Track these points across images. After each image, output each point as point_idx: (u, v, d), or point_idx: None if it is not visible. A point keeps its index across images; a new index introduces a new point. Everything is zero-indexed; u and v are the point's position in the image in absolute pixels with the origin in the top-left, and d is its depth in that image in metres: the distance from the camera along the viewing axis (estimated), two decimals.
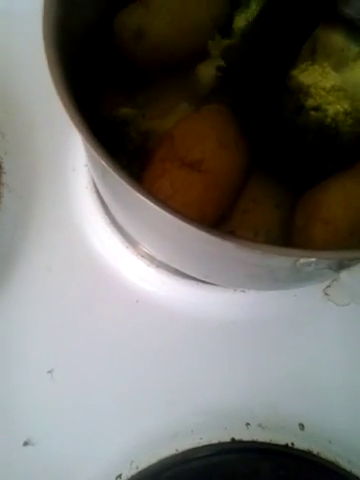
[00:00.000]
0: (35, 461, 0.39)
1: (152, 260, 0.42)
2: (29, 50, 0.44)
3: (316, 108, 0.35)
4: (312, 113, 0.34)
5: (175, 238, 0.29)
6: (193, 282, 0.41)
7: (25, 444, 0.39)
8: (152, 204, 0.25)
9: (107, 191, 0.34)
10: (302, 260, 0.26)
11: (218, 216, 0.37)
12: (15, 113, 0.46)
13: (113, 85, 0.40)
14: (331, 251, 0.25)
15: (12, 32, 0.49)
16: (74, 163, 0.45)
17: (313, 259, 0.25)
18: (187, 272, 0.38)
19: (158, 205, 0.25)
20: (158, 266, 0.42)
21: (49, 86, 0.28)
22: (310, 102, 0.35)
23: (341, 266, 0.27)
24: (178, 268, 0.38)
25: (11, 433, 0.39)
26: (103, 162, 0.26)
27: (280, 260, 0.27)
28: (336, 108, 0.34)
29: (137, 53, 0.38)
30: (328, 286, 0.40)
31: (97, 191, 0.43)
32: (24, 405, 0.40)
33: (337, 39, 0.39)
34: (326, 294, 0.42)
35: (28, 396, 0.40)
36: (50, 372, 0.40)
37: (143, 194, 0.25)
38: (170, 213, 0.25)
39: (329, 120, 0.34)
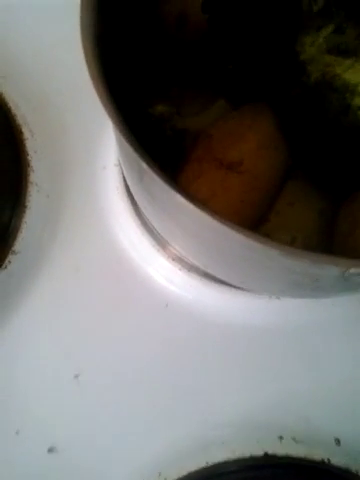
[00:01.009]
0: (59, 469, 0.38)
1: (183, 264, 0.40)
2: (61, 45, 0.44)
3: None
4: (359, 113, 0.33)
5: (213, 243, 0.28)
6: (225, 288, 0.40)
7: (50, 451, 0.38)
8: (193, 206, 0.23)
9: (141, 192, 0.32)
10: (353, 270, 0.24)
11: (256, 218, 0.35)
12: (45, 111, 0.45)
13: (149, 81, 0.39)
14: None
15: (43, 26, 0.48)
16: (105, 162, 0.43)
17: None
18: (222, 277, 0.36)
19: (199, 207, 0.23)
20: (189, 270, 0.40)
21: (80, 83, 0.27)
22: (357, 101, 0.33)
23: None
24: (212, 273, 0.36)
25: (36, 439, 0.38)
26: (142, 161, 0.24)
27: (329, 269, 0.25)
28: None
29: (180, 39, 0.37)
30: None
31: (128, 191, 0.42)
32: (49, 410, 0.39)
33: None
34: None
35: (53, 401, 0.39)
36: (76, 377, 0.39)
37: (183, 195, 0.23)
38: (212, 216, 0.23)
39: None
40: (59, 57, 0.47)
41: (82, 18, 0.27)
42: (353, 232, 0.32)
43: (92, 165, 0.44)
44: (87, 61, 0.27)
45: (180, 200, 0.24)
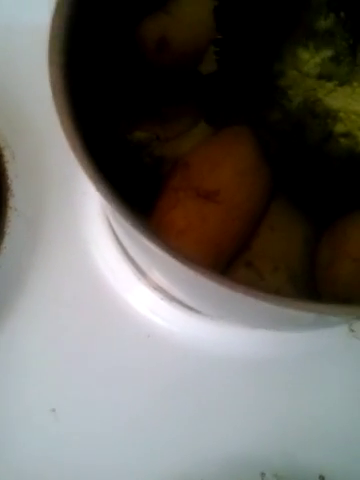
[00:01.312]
0: None
1: (165, 293, 0.39)
2: (42, 67, 0.43)
3: (346, 134, 0.32)
4: (341, 140, 0.31)
5: (187, 283, 0.27)
6: (208, 318, 0.38)
7: None
8: (159, 251, 0.22)
9: (116, 225, 0.31)
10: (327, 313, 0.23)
11: (236, 249, 0.34)
12: (26, 132, 0.44)
13: (128, 106, 0.38)
14: None
15: (24, 48, 0.47)
16: (85, 187, 0.42)
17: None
18: (201, 311, 0.35)
19: (166, 251, 0.22)
20: (172, 300, 0.39)
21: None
22: (339, 128, 0.32)
23: None
24: (192, 306, 0.35)
25: (10, 477, 0.37)
26: (109, 203, 0.23)
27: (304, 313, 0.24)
28: None
29: (160, 63, 0.36)
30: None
31: (108, 217, 0.40)
32: (24, 446, 0.37)
33: None
34: (352, 330, 0.39)
35: (28, 436, 0.37)
36: (53, 411, 0.38)
37: (150, 239, 0.22)
38: (180, 261, 0.22)
39: None
40: (41, 79, 0.46)
41: (50, 48, 0.26)
42: (333, 264, 0.31)
43: (72, 190, 0.43)
44: (54, 93, 0.26)
45: (146, 243, 0.22)
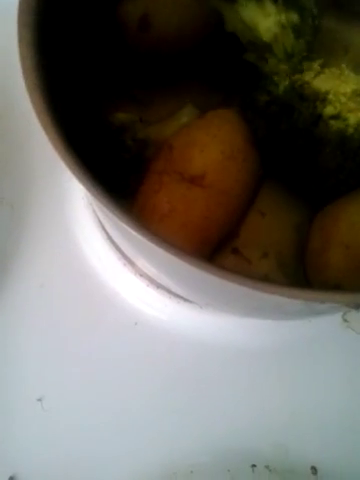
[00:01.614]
0: None
1: (151, 280, 0.38)
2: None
3: (335, 116, 0.31)
4: (331, 122, 0.30)
5: (171, 269, 0.26)
6: (196, 305, 0.37)
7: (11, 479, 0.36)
8: (139, 236, 0.21)
9: (101, 214, 0.30)
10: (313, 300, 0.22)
11: (222, 235, 0.33)
12: (8, 118, 0.43)
13: (111, 87, 0.37)
14: (348, 294, 0.21)
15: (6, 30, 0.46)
16: (70, 173, 0.41)
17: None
18: (187, 298, 0.34)
19: (146, 237, 0.21)
20: (158, 287, 0.38)
21: None
22: (328, 110, 0.30)
23: None
24: (177, 293, 0.34)
25: None
26: (83, 186, 0.22)
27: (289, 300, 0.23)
28: (358, 116, 0.30)
29: (142, 43, 0.35)
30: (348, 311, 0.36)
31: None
32: (10, 436, 0.36)
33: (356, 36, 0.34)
34: (345, 321, 0.38)
35: (15, 426, 0.37)
36: (40, 400, 0.37)
37: (129, 224, 0.21)
38: (161, 246, 0.21)
39: (351, 130, 0.30)
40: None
41: (19, 22, 0.25)
42: (324, 249, 0.30)
43: (57, 176, 0.41)
44: (23, 66, 0.24)
45: (130, 231, 0.21)
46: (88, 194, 0.26)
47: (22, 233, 0.41)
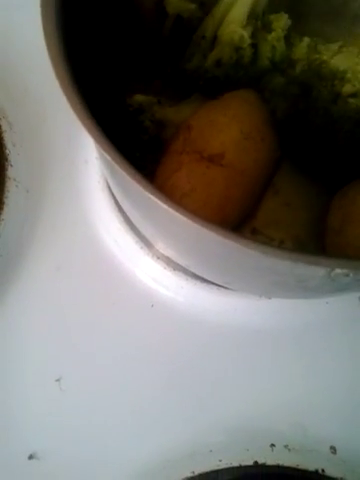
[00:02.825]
0: (40, 476, 0.36)
1: (168, 262, 0.38)
2: (41, 36, 0.41)
3: (354, 94, 0.31)
4: (350, 100, 0.30)
5: (192, 243, 0.26)
6: (213, 287, 0.37)
7: (30, 458, 0.36)
8: (164, 206, 0.21)
9: (118, 189, 0.30)
10: (338, 270, 0.22)
11: (241, 216, 0.33)
12: (24, 102, 0.43)
13: (129, 70, 0.37)
14: None
15: (23, 17, 0.46)
16: (86, 155, 0.41)
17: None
18: (207, 277, 0.34)
19: (172, 207, 0.21)
20: (175, 269, 0.38)
21: None
22: (347, 88, 0.31)
23: None
24: (196, 273, 0.34)
25: (16, 446, 0.36)
26: (109, 158, 0.22)
27: (312, 270, 0.23)
28: None
29: (159, 25, 0.35)
30: None
31: (110, 186, 0.39)
32: (29, 416, 0.37)
33: None
34: None
35: (33, 406, 0.37)
36: (58, 381, 0.37)
37: (154, 194, 0.21)
38: (185, 216, 0.21)
39: None
40: (39, 47, 0.45)
41: (43, 12, 0.25)
42: (344, 228, 0.30)
43: (73, 159, 0.42)
44: (47, 43, 0.25)
45: (151, 198, 0.21)
46: (111, 169, 0.26)
47: (38, 217, 0.41)
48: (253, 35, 0.34)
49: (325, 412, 0.36)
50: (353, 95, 0.31)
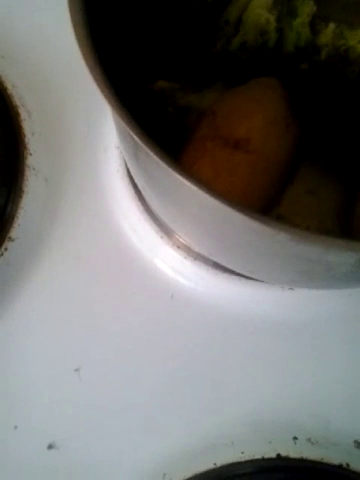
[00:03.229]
0: (59, 466, 0.36)
1: (189, 252, 0.38)
2: (60, 23, 0.41)
3: None
4: None
5: (217, 227, 0.25)
6: (235, 277, 0.37)
7: (49, 447, 0.36)
8: (192, 186, 0.20)
9: (140, 173, 0.30)
10: None
11: (266, 202, 0.32)
12: (42, 90, 0.43)
13: (153, 56, 0.36)
14: None
15: (42, 5, 0.46)
16: (106, 143, 0.41)
17: None
18: (229, 266, 0.33)
19: (199, 187, 0.20)
20: (196, 259, 0.38)
21: (80, 61, 0.25)
22: None
23: None
24: (219, 261, 0.34)
25: (35, 435, 0.36)
26: (135, 136, 0.22)
27: (344, 256, 0.22)
28: None
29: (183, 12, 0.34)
30: None
31: (130, 175, 0.39)
32: (48, 405, 0.37)
33: None
34: None
35: (53, 395, 0.37)
36: (77, 370, 0.37)
37: (181, 174, 0.21)
38: (213, 197, 0.20)
39: None
40: (58, 35, 0.44)
41: None
42: None
43: (93, 147, 0.41)
44: (77, 36, 0.24)
45: (176, 178, 0.21)
46: (136, 151, 0.26)
47: (57, 205, 0.41)
48: (278, 20, 0.34)
49: (348, 406, 0.36)
50: None
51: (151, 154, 0.21)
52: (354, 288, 0.36)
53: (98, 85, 0.22)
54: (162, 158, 0.21)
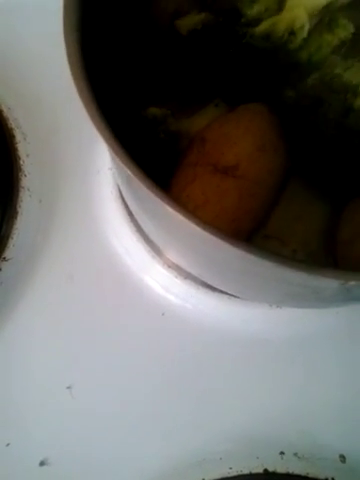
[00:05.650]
0: None
1: (180, 271, 0.39)
2: (55, 46, 0.42)
3: None
4: None
5: (207, 253, 0.26)
6: (224, 296, 0.38)
7: (41, 464, 0.37)
8: (181, 216, 0.22)
9: (132, 199, 0.31)
10: (353, 282, 0.23)
11: (254, 226, 0.34)
12: (37, 113, 0.44)
13: (143, 83, 0.38)
14: None
15: (37, 28, 0.47)
16: (98, 165, 0.42)
17: None
18: (219, 287, 0.35)
19: (188, 218, 0.22)
20: (186, 278, 0.39)
21: (73, 85, 0.26)
22: (359, 102, 0.31)
23: None
24: (208, 282, 0.35)
25: (27, 452, 0.37)
26: (127, 169, 0.23)
27: (327, 281, 0.24)
28: None
29: (174, 38, 0.35)
30: None
31: (122, 196, 0.40)
32: (41, 422, 0.37)
33: None
34: None
35: (45, 412, 0.37)
36: (69, 388, 0.38)
37: (170, 205, 0.22)
38: (201, 227, 0.22)
39: None
40: (53, 58, 0.46)
41: (65, 23, 0.26)
42: (354, 241, 0.31)
43: (86, 169, 0.42)
44: (69, 61, 0.25)
45: (167, 209, 0.22)
46: (127, 180, 0.27)
47: (50, 226, 0.42)
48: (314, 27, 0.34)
49: (334, 421, 0.37)
50: None
51: (143, 187, 0.22)
52: (340, 307, 0.37)
53: (94, 123, 0.23)
54: (153, 191, 0.22)
